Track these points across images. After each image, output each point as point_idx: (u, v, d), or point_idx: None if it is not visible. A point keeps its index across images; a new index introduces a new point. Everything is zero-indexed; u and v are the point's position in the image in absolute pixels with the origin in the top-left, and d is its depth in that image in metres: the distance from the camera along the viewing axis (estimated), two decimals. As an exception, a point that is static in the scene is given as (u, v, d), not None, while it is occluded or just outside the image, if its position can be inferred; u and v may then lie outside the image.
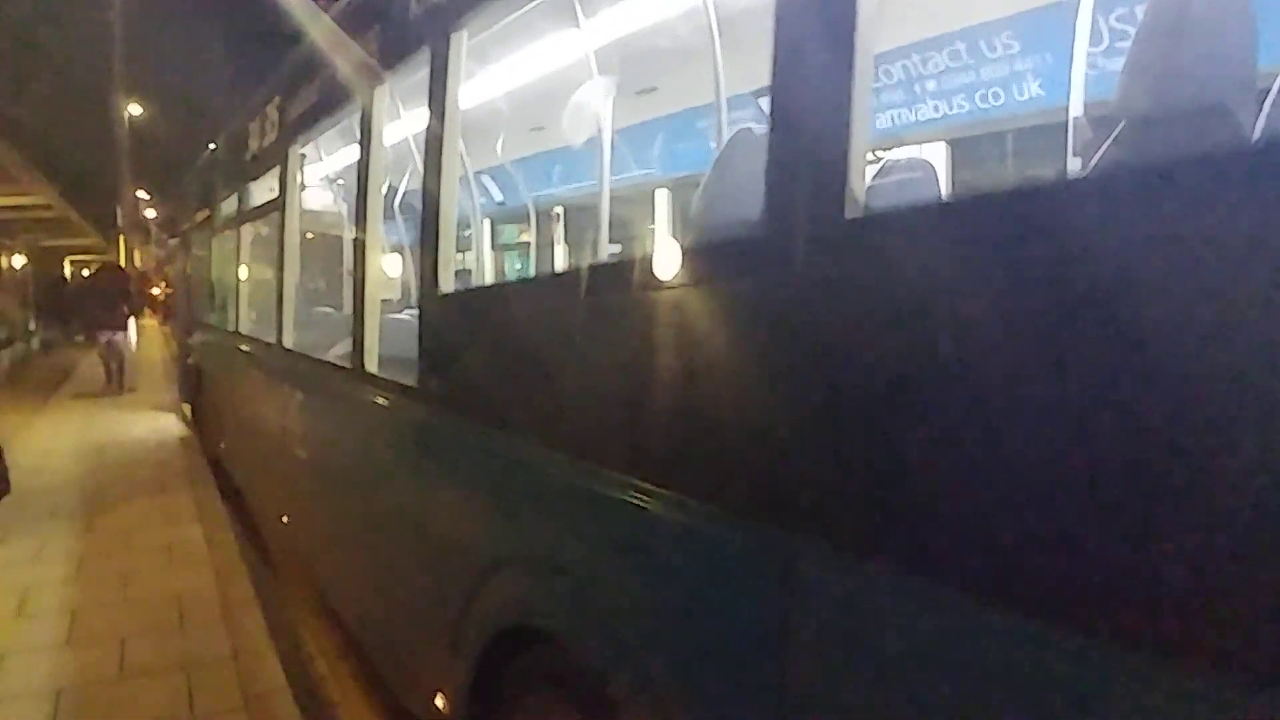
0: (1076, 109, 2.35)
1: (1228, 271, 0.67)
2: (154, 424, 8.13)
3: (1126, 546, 0.72)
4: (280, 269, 3.99)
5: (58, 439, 7.35)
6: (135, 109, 18.37)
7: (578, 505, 1.56)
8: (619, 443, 1.44)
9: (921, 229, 0.96)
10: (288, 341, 3.95)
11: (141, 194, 27.27)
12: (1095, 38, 2.69)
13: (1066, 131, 2.25)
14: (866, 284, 0.98)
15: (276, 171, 4.10)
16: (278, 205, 4.09)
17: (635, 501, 1.36)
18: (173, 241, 11.39)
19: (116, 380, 10.45)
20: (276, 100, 4.10)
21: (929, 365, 0.90)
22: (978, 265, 0.86)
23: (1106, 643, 0.74)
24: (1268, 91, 1.07)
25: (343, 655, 3.34)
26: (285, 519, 3.93)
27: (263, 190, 4.76)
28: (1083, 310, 0.76)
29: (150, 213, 31.49)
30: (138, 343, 16.09)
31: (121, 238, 17.08)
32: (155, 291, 23.56)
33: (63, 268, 31.90)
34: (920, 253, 0.93)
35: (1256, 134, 1.04)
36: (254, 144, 4.72)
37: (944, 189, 2.19)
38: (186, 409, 8.13)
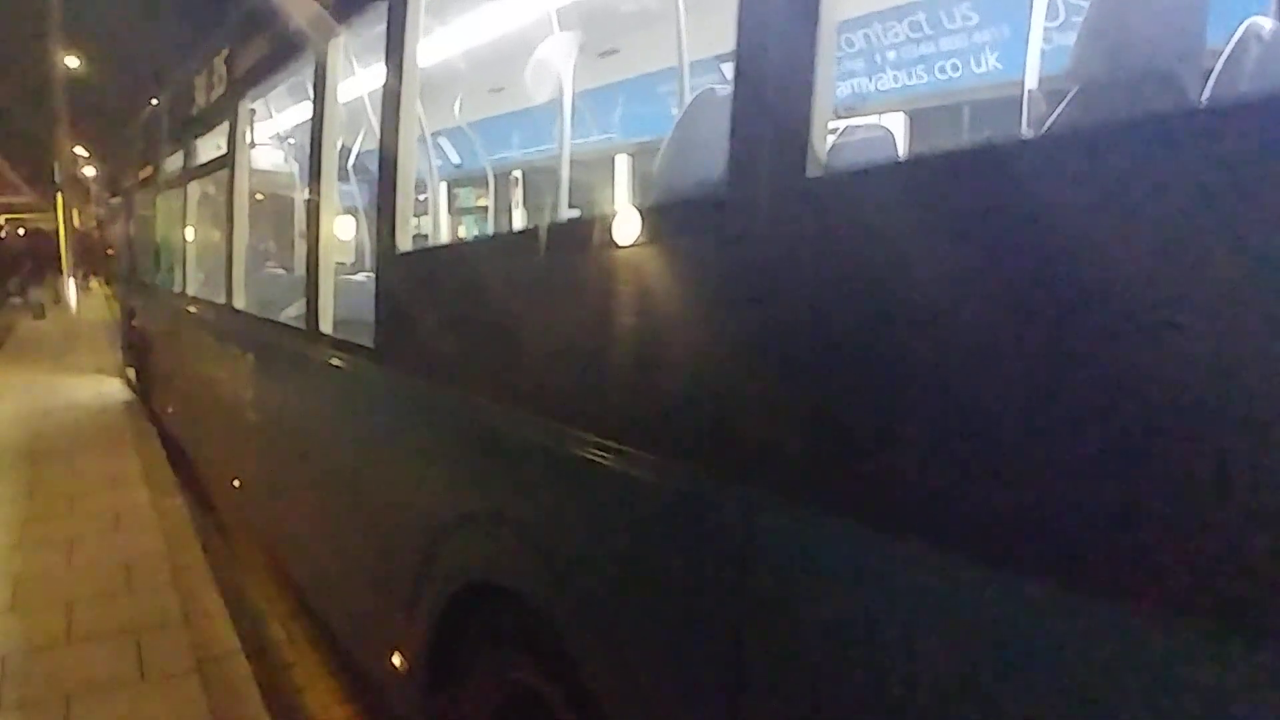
0: (1032, 82, 2.39)
1: (1175, 229, 0.70)
2: (97, 388, 7.90)
3: (1084, 494, 0.75)
4: (230, 228, 3.89)
5: (-5, 403, 7.11)
6: (73, 61, 17.54)
7: (537, 462, 1.57)
8: (579, 400, 1.45)
9: (881, 187, 0.98)
10: (238, 303, 3.86)
11: (80, 150, 26.18)
12: (1051, 12, 2.72)
13: (1022, 104, 2.29)
14: (828, 241, 1.00)
15: (225, 128, 3.97)
16: (226, 163, 3.96)
17: (595, 458, 1.37)
18: (114, 200, 10.96)
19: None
20: (225, 53, 3.95)
21: (887, 320, 0.92)
22: (935, 223, 0.88)
23: (1065, 590, 0.76)
24: (1215, 61, 1.10)
25: (296, 618, 3.32)
26: (236, 482, 3.87)
27: (210, 147, 4.60)
28: (1034, 266, 0.79)
29: (89, 170, 30.27)
30: (77, 305, 15.61)
31: (59, 196, 16.39)
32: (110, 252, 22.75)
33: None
34: (880, 210, 0.95)
35: (1204, 101, 1.08)
36: (201, 99, 4.56)
37: (902, 154, 2.21)
38: (131, 373, 7.91)
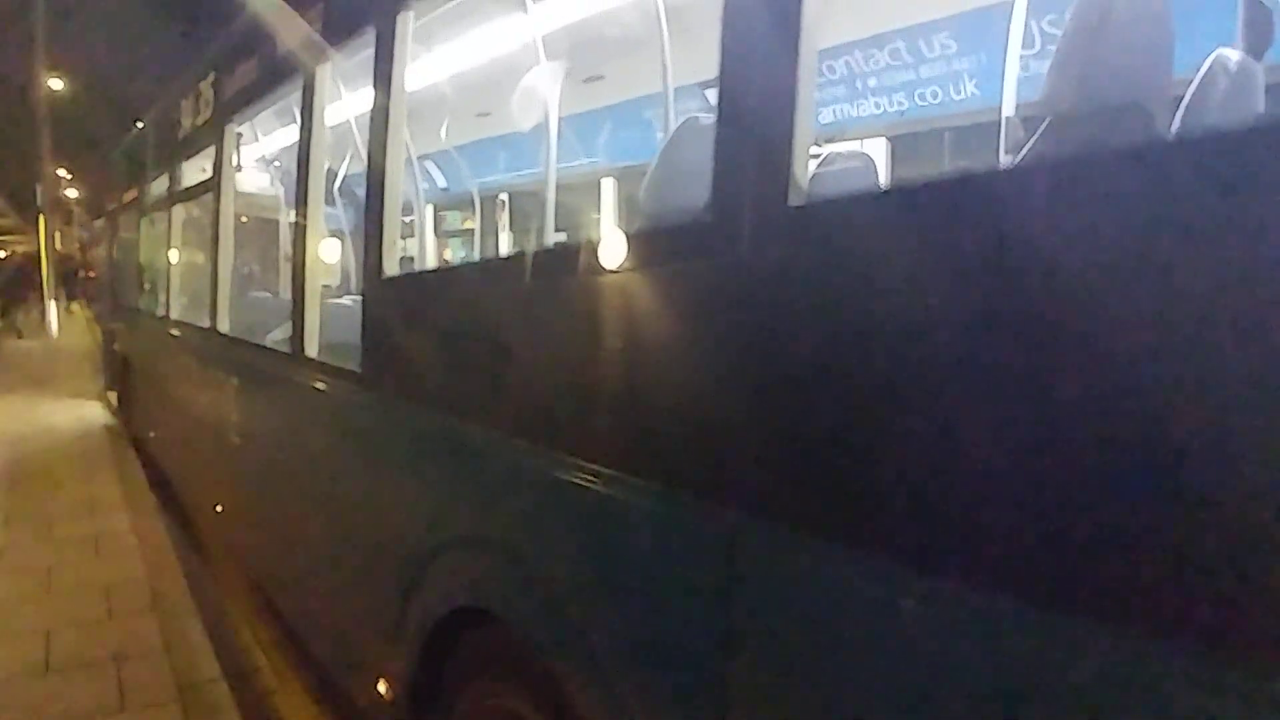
0: (1009, 109, 2.44)
1: (1152, 257, 0.72)
2: (77, 413, 7.81)
3: (1075, 516, 0.76)
4: (215, 252, 3.88)
5: (-28, 427, 7.02)
6: (56, 83, 17.51)
7: (524, 487, 1.57)
8: (565, 425, 1.46)
9: (862, 216, 1.00)
10: (223, 326, 3.85)
11: (62, 172, 26.05)
12: (1028, 41, 2.79)
13: (999, 130, 2.34)
14: (810, 269, 1.02)
15: (211, 151, 3.97)
16: (212, 186, 3.97)
17: (582, 482, 1.38)
18: (97, 223, 10.92)
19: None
20: (212, 77, 3.97)
21: (869, 346, 0.94)
22: (915, 251, 0.90)
23: (1050, 611, 0.77)
24: (1183, 93, 1.14)
25: (279, 645, 3.28)
26: (219, 508, 3.83)
27: (195, 170, 4.60)
28: (1013, 293, 0.81)
29: (71, 192, 30.08)
30: (59, 328, 15.47)
31: (41, 218, 16.28)
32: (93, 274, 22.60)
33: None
34: (861, 239, 0.97)
35: (1173, 131, 1.11)
36: (187, 122, 4.57)
37: (883, 181, 2.25)
38: (112, 397, 7.83)
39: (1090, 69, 1.07)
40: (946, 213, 0.88)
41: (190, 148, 4.53)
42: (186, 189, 4.73)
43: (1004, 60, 2.47)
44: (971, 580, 0.83)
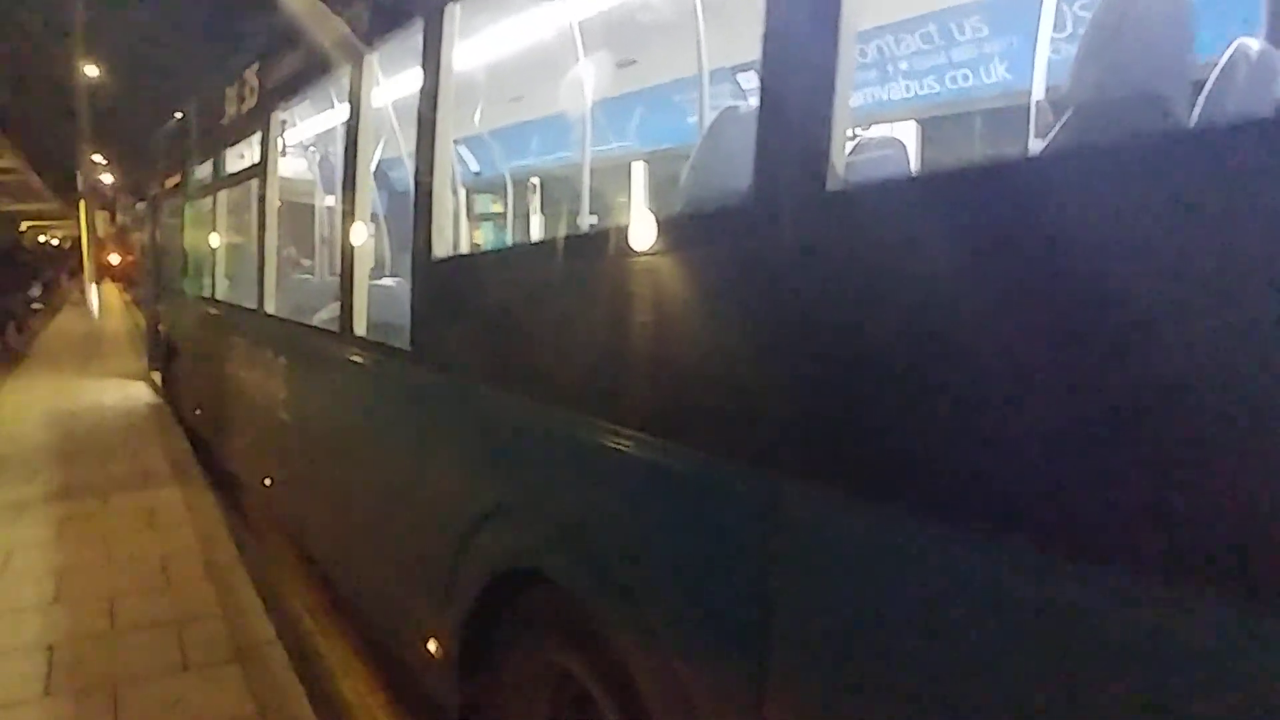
0: (1039, 92, 2.48)
1: (1179, 243, 0.79)
2: (124, 391, 8.07)
3: (1111, 468, 0.82)
4: (261, 235, 4.01)
5: (28, 407, 7.28)
6: (92, 70, 17.85)
7: (569, 453, 1.67)
8: (608, 395, 1.55)
9: (895, 201, 1.08)
10: (270, 307, 3.99)
11: (98, 158, 26.53)
12: (1059, 24, 2.81)
13: (1029, 114, 2.38)
14: (845, 250, 1.10)
15: (256, 138, 4.10)
16: (258, 172, 4.09)
17: (625, 448, 1.47)
18: (138, 207, 11.16)
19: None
20: (257, 66, 4.09)
21: (901, 319, 1.02)
22: (943, 233, 0.98)
23: (1097, 565, 0.82)
24: (1203, 83, 1.20)
25: (327, 611, 3.44)
26: (268, 481, 3.99)
27: (240, 156, 4.74)
28: (1037, 274, 0.89)
29: (106, 177, 30.60)
30: (99, 309, 15.84)
31: (82, 203, 16.67)
32: (114, 259, 23.12)
33: (17, 233, 31.01)
34: (895, 222, 1.05)
35: (1193, 121, 1.17)
36: (232, 110, 4.70)
37: (914, 165, 2.31)
38: (156, 376, 8.07)
39: (1114, 59, 1.13)
40: (974, 198, 0.96)
41: (236, 134, 4.66)
42: (232, 174, 4.87)
43: (1034, 43, 2.51)
44: (1016, 539, 0.89)
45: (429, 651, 2.23)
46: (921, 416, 1.00)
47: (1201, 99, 1.24)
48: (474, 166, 6.91)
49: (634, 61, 4.62)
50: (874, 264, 1.06)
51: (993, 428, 0.92)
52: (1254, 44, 1.31)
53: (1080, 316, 0.84)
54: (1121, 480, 0.82)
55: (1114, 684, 0.81)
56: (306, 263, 5.85)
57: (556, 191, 6.50)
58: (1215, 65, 1.25)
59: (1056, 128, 1.15)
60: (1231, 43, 1.29)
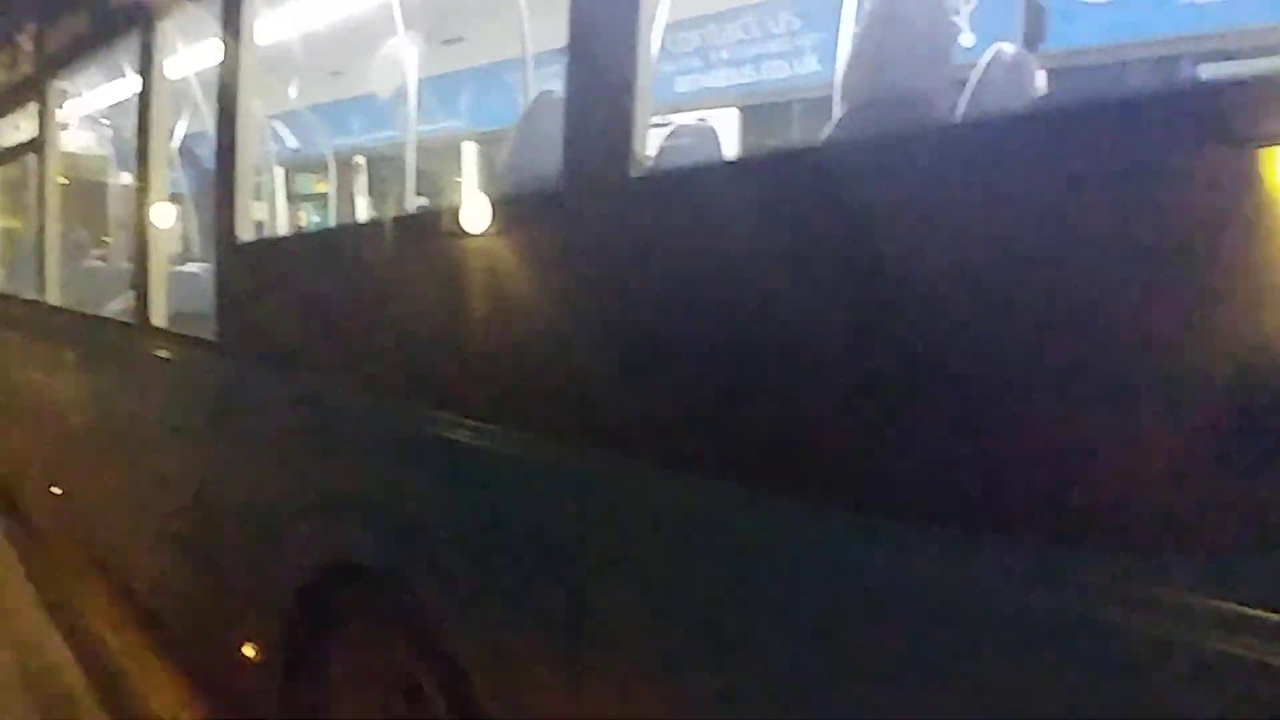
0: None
1: (938, 228, 0.85)
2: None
3: (924, 436, 0.85)
4: (41, 217, 3.61)
5: None
6: None
7: (388, 442, 1.63)
8: (428, 380, 1.53)
9: (696, 187, 1.13)
10: (53, 297, 3.60)
11: None
12: (860, 19, 3.01)
13: (831, 105, 2.54)
14: (648, 235, 1.14)
15: (32, 109, 3.67)
16: (35, 147, 3.67)
17: (442, 433, 1.46)
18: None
19: None
20: (32, 28, 3.65)
21: (701, 299, 1.07)
22: (742, 218, 1.04)
23: (904, 526, 0.85)
24: (964, 82, 1.33)
25: (129, 626, 3.17)
26: (56, 489, 3.61)
27: (16, 128, 4.22)
28: (829, 257, 0.95)
29: None
30: None
31: None
32: None
33: None
34: (694, 208, 1.10)
35: (956, 117, 1.30)
36: (1, 77, 4.17)
37: (726, 151, 2.41)
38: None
39: (879, 60, 1.23)
40: (766, 186, 1.02)
41: (6, 104, 4.15)
42: (3, 149, 4.34)
43: (837, 38, 2.68)
44: (825, 505, 0.93)
45: (246, 656, 2.11)
46: (721, 390, 1.05)
47: (965, 96, 1.37)
48: (292, 144, 6.53)
49: (461, 39, 4.52)
50: (675, 248, 1.10)
51: (791, 396, 0.98)
52: (1009, 48, 1.46)
53: (900, 305, 0.88)
54: (918, 435, 0.85)
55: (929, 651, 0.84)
56: (99, 249, 5.32)
57: (383, 171, 6.26)
58: (975, 67, 1.39)
59: (830, 126, 1.24)
60: (989, 48, 1.43)
